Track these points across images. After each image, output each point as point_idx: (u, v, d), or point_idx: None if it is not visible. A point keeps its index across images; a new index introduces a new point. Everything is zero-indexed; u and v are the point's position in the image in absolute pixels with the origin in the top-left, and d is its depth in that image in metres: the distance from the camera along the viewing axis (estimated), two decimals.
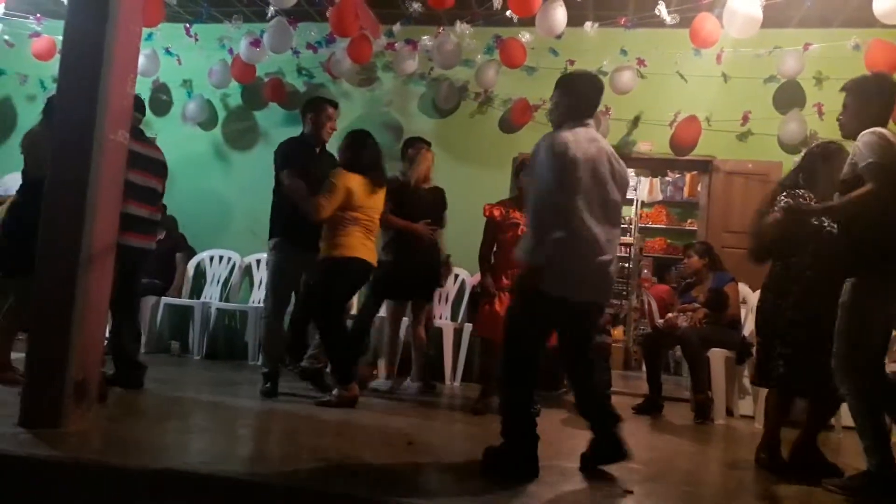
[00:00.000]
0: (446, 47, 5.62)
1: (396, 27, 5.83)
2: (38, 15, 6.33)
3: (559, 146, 2.75)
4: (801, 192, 3.15)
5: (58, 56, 6.01)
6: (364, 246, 3.98)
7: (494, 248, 4.31)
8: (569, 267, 2.72)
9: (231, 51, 6.22)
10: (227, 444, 3.07)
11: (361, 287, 4.37)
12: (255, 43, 5.83)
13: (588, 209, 2.74)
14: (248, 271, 6.22)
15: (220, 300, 6.09)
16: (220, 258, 6.23)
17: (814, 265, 3.06)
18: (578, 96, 3.01)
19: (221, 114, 6.56)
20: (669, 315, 4.97)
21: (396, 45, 5.92)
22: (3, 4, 5.69)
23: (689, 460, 3.52)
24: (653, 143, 5.89)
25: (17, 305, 3.75)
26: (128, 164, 3.18)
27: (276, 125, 6.31)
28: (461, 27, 5.58)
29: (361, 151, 4.04)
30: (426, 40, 5.79)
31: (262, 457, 2.95)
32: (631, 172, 8.41)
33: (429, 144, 4.85)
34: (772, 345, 3.16)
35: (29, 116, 6.81)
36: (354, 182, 3.91)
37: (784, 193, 3.18)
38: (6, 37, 6.48)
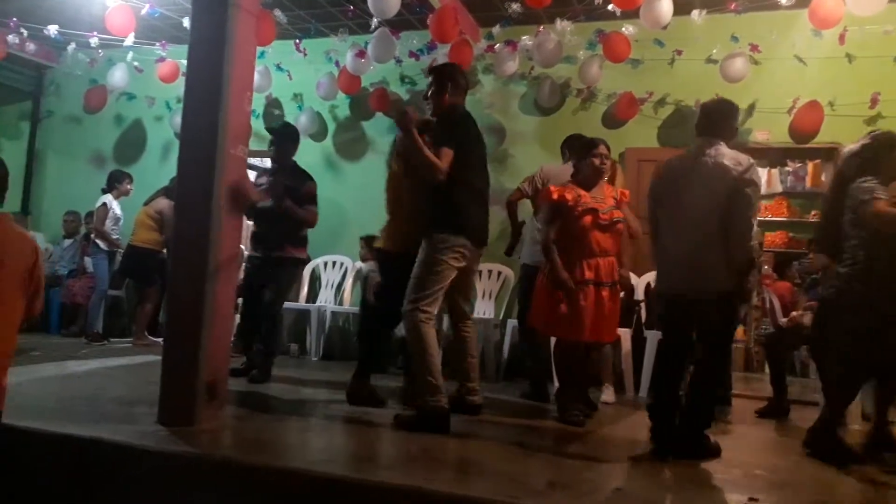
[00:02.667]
0: (547, 45, 5.57)
1: (496, 29, 5.85)
2: (163, 41, 6.80)
3: None
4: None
5: (182, 78, 6.46)
6: None
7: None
8: None
9: (337, 63, 6.44)
10: (346, 443, 3.19)
11: None
12: (360, 54, 6.01)
13: None
14: (359, 275, 6.42)
15: (335, 304, 6.32)
16: (334, 263, 6.47)
17: None
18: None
19: (331, 125, 6.81)
20: (794, 314, 4.69)
21: (496, 46, 5.92)
22: (133, 33, 6.15)
23: (821, 468, 3.30)
24: (770, 131, 5.58)
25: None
26: None
27: (383, 134, 6.47)
28: (562, 24, 5.51)
29: None
30: (526, 40, 5.76)
31: (377, 457, 3.03)
32: None
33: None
34: None
35: (157, 136, 7.40)
36: None
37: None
38: (135, 63, 7.01)
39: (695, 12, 5.26)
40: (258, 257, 4.67)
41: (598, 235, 3.70)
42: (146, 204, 6.27)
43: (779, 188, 8.46)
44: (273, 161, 4.86)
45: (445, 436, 3.27)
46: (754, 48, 5.42)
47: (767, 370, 4.77)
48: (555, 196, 3.73)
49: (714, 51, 5.49)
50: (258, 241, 4.67)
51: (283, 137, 4.79)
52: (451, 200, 3.45)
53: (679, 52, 5.60)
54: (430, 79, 3.73)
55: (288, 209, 4.47)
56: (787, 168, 8.50)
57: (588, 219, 3.68)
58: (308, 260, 5.71)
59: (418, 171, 3.47)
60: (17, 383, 3.82)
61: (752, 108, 5.58)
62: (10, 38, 6.47)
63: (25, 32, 6.53)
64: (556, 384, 4.07)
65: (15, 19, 6.42)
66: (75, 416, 3.11)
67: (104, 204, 6.36)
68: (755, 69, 5.44)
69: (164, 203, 6.14)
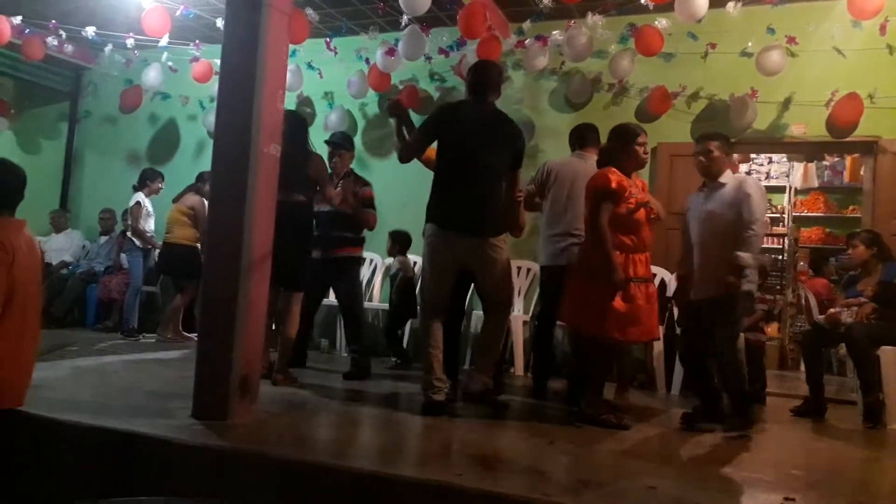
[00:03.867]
0: (578, 40, 5.52)
1: (526, 24, 5.81)
2: (197, 41, 6.90)
3: None
4: None
5: (215, 78, 6.55)
6: None
7: None
8: None
9: (367, 61, 6.46)
10: (376, 438, 3.21)
11: None
12: (391, 52, 6.03)
13: None
14: (388, 272, 6.44)
15: (365, 300, 6.34)
16: (363, 259, 6.49)
17: None
18: None
19: (360, 123, 6.84)
20: (832, 310, 4.59)
21: (526, 42, 5.89)
22: (167, 34, 6.25)
23: (860, 469, 3.23)
24: (807, 125, 5.46)
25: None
26: None
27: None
28: (593, 19, 5.46)
29: None
30: (556, 35, 5.71)
31: (407, 452, 3.05)
32: (783, 158, 7.92)
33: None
34: None
35: (190, 135, 7.50)
36: None
37: None
38: (170, 63, 7.12)
39: (730, 4, 5.16)
40: (316, 259, 4.72)
41: (647, 230, 3.64)
42: (175, 201, 6.36)
43: (815, 183, 8.31)
44: (333, 168, 4.93)
45: (476, 431, 3.28)
46: (791, 40, 5.31)
47: (803, 368, 4.69)
48: (613, 184, 3.50)
49: (749, 43, 5.39)
50: (317, 242, 4.73)
51: (342, 148, 5.03)
52: (431, 191, 3.75)
53: (713, 46, 5.51)
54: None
55: (356, 213, 4.76)
56: (824, 162, 8.34)
57: (642, 212, 3.57)
58: (363, 259, 5.74)
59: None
60: (55, 377, 3.96)
61: (788, 101, 5.46)
62: (50, 40, 6.61)
63: (64, 34, 6.67)
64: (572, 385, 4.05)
65: (54, 21, 6.56)
66: (111, 410, 3.17)
67: (138, 202, 6.48)
68: (792, 61, 5.33)
69: (195, 199, 6.23)
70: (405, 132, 3.84)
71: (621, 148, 3.72)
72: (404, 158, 3.84)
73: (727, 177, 3.76)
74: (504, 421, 3.64)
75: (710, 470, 2.75)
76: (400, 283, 5.81)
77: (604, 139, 5.77)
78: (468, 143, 3.67)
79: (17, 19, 6.15)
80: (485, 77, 3.84)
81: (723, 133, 4.04)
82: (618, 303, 3.42)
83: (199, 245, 6.20)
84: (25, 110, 8.39)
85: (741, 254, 3.48)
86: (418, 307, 3.99)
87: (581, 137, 4.46)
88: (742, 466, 2.92)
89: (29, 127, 8.40)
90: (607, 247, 3.42)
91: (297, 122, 4.60)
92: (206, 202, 6.14)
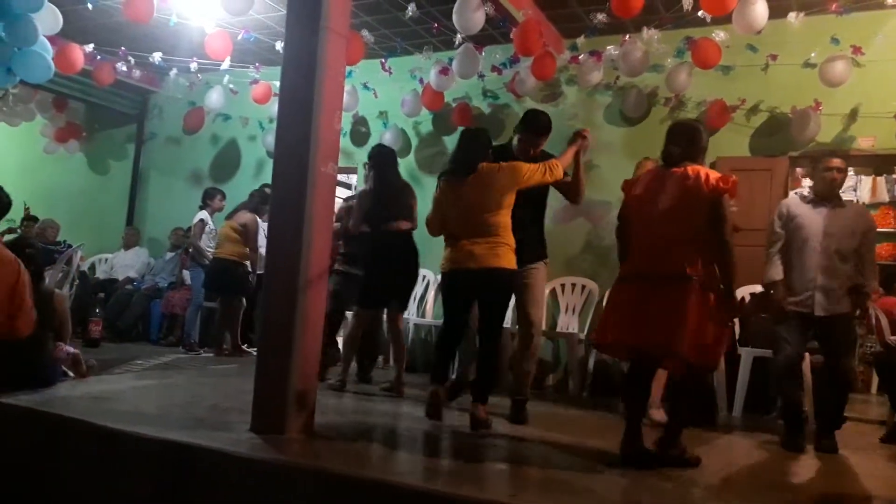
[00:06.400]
0: (633, 55, 5.46)
1: (580, 40, 5.78)
2: (257, 64, 7.11)
3: None
4: None
5: (274, 99, 6.73)
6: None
7: None
8: None
9: (421, 80, 6.54)
10: (431, 455, 3.20)
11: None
12: (444, 71, 6.08)
13: None
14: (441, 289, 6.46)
15: (417, 316, 6.38)
16: None
17: None
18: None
19: (414, 141, 6.91)
20: None
21: (580, 57, 5.86)
22: (229, 57, 6.46)
23: None
24: (875, 137, 5.26)
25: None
26: None
27: None
28: (648, 33, 5.39)
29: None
30: (611, 50, 5.66)
31: (462, 470, 3.02)
32: (850, 171, 7.64)
33: None
34: None
35: (250, 154, 7.72)
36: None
37: None
38: (231, 85, 7.36)
39: (791, 15, 5.03)
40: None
41: None
42: (228, 218, 6.52)
43: (885, 197, 7.97)
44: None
45: (533, 453, 3.24)
46: (856, 50, 5.13)
47: (874, 390, 4.48)
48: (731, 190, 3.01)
49: (812, 54, 5.24)
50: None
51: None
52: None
53: (773, 57, 5.38)
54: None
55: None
56: (893, 176, 8.00)
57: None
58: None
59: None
60: (120, 390, 4.09)
61: (854, 113, 5.28)
62: (119, 65, 6.92)
63: (132, 60, 6.97)
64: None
65: (123, 48, 6.87)
66: (173, 423, 3.25)
67: (201, 220, 6.68)
68: (857, 72, 5.15)
69: (247, 216, 6.36)
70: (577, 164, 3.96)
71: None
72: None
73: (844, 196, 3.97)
74: (558, 443, 3.57)
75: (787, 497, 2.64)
76: None
77: (659, 152, 5.71)
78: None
79: (90, 47, 6.45)
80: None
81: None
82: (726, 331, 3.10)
83: (247, 262, 6.34)
84: (96, 133, 8.81)
85: (868, 283, 3.70)
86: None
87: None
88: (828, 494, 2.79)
89: (99, 149, 8.81)
90: (735, 264, 2.99)
91: (391, 154, 4.93)
92: (259, 219, 6.33)
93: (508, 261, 3.61)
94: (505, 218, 3.63)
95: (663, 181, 3.10)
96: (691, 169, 3.04)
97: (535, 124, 3.94)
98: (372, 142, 7.00)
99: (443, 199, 3.81)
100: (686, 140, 3.13)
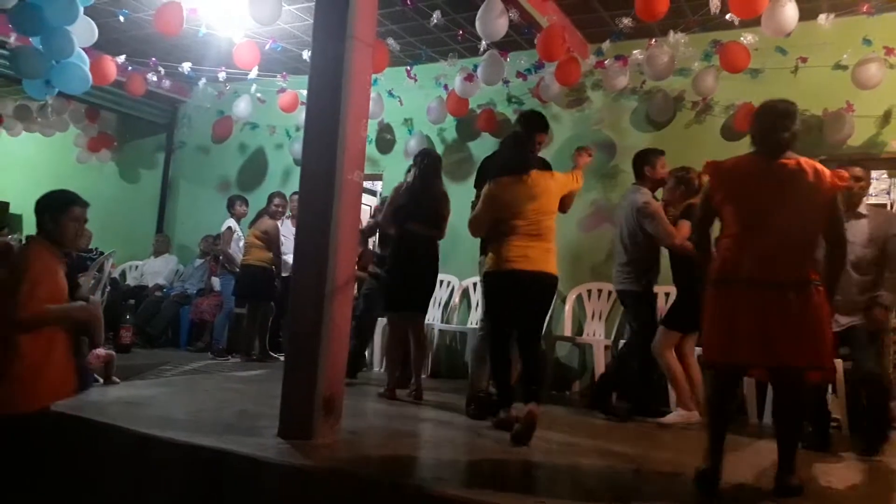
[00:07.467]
0: (660, 59, 5.40)
1: (605, 45, 5.75)
2: (284, 73, 7.19)
3: None
4: None
5: (301, 108, 6.80)
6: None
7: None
8: None
9: (446, 87, 6.56)
10: (459, 461, 3.19)
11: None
12: (469, 77, 6.09)
13: None
14: (465, 294, 6.46)
15: (442, 322, 6.38)
16: (441, 282, 6.53)
17: None
18: None
19: (439, 147, 6.90)
20: None
21: (606, 62, 5.83)
22: (256, 66, 6.54)
23: None
24: None
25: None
26: None
27: (488, 153, 6.49)
28: (675, 37, 5.34)
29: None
30: (637, 54, 5.61)
31: (491, 476, 3.01)
32: (883, 174, 7.50)
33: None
34: None
35: (278, 162, 7.81)
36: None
37: None
38: (258, 94, 7.45)
39: (822, 16, 4.95)
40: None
41: None
42: (251, 226, 6.61)
43: None
44: None
45: (564, 459, 3.22)
46: (890, 51, 5.04)
47: None
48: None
49: (844, 56, 5.15)
50: None
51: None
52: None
53: (803, 60, 5.30)
54: None
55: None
56: None
57: None
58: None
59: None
60: (150, 395, 4.15)
61: (888, 115, 5.17)
62: (150, 76, 7.05)
63: (163, 70, 7.09)
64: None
65: (154, 59, 6.99)
66: (203, 428, 3.29)
67: (229, 228, 6.78)
68: (891, 73, 5.05)
69: (268, 223, 6.45)
70: None
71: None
72: None
73: (863, 207, 3.82)
74: (588, 449, 3.55)
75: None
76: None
77: (690, 160, 5.67)
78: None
79: (122, 58, 6.58)
80: None
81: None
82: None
83: (273, 267, 6.42)
84: (127, 142, 8.97)
85: (886, 294, 3.67)
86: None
87: None
88: None
89: (130, 158, 8.98)
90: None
91: (438, 161, 4.95)
92: (279, 224, 6.48)
93: (554, 266, 3.76)
94: (554, 223, 3.80)
95: (773, 175, 2.74)
96: (805, 162, 2.73)
97: (539, 123, 4.36)
98: (398, 149, 7.04)
99: (498, 197, 3.77)
100: (793, 123, 2.77)
